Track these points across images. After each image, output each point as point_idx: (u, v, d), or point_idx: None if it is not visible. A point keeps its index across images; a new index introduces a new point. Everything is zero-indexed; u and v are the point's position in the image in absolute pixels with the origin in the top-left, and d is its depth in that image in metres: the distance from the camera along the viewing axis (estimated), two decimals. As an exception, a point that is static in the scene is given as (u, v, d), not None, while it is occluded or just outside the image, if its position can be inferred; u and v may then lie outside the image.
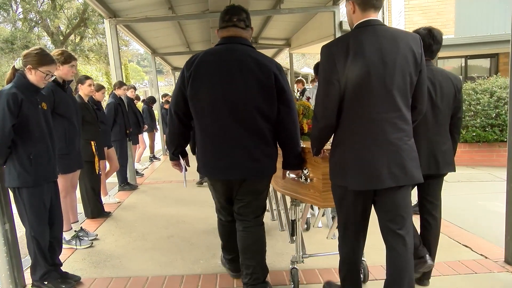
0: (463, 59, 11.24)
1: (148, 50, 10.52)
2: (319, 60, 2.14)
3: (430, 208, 2.70)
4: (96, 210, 4.73)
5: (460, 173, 6.79)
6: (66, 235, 3.78)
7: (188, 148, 2.75)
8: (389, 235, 2.10)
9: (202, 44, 11.03)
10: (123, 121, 6.21)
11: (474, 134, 7.33)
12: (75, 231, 3.91)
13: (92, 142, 4.49)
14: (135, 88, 7.82)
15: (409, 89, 2.01)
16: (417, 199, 2.77)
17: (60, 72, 3.56)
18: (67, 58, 3.55)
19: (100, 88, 5.39)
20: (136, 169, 7.74)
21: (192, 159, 2.68)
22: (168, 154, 2.84)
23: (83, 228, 4.07)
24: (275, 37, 11.01)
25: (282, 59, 18.93)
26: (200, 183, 6.25)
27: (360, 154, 2.00)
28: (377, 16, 2.02)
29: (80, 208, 4.75)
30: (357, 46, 1.93)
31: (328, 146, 2.23)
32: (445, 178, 2.77)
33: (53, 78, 2.91)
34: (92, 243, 3.89)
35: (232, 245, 2.77)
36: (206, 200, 5.27)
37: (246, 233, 2.61)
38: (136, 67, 52.30)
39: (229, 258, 2.96)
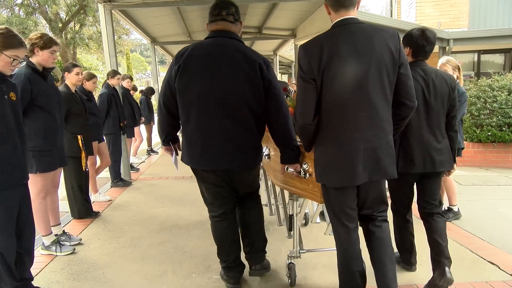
0: (475, 54, 10.76)
1: (147, 38, 10.10)
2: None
3: (430, 208, 2.71)
4: (83, 210, 4.35)
5: (474, 175, 6.39)
6: (45, 240, 3.40)
7: (179, 134, 2.73)
8: (368, 223, 2.28)
9: (204, 33, 10.48)
10: (116, 113, 5.81)
11: (489, 133, 6.90)
12: (56, 235, 3.53)
13: (79, 136, 4.09)
14: (131, 78, 7.40)
15: (388, 86, 2.04)
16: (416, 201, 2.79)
17: (39, 58, 3.17)
18: (47, 42, 3.15)
19: (91, 77, 4.99)
20: (131, 164, 7.36)
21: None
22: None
23: (65, 231, 3.69)
24: (280, 27, 10.55)
25: (286, 52, 18.46)
26: None
27: (337, 153, 2.07)
28: (353, 14, 2.05)
29: (66, 207, 4.40)
30: (331, 45, 1.97)
31: None
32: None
33: (22, 64, 2.50)
34: (75, 249, 3.50)
35: (227, 246, 2.73)
36: (203, 201, 4.91)
37: (244, 210, 2.77)
38: (139, 57, 51.82)
39: (225, 266, 2.77)
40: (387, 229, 2.31)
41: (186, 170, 2.60)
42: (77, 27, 17.11)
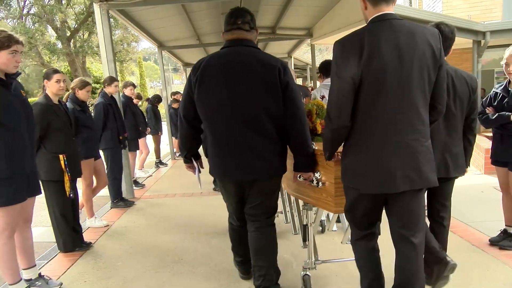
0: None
1: (154, 43, 9.48)
2: (330, 59, 2.10)
3: (440, 210, 2.68)
4: (69, 242, 3.67)
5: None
6: (13, 290, 2.73)
7: (201, 150, 2.73)
8: (401, 242, 2.05)
9: (214, 36, 9.93)
10: (115, 124, 5.14)
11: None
12: (30, 280, 2.86)
13: (61, 156, 3.42)
14: (134, 85, 6.77)
15: (428, 87, 1.93)
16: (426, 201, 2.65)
17: (-2, 61, 2.51)
18: (5, 41, 2.50)
19: (84, 85, 4.34)
20: (136, 179, 6.73)
21: (205, 161, 2.64)
22: (177, 158, 2.84)
23: (42, 274, 3.00)
24: (295, 27, 9.81)
25: (299, 55, 17.63)
26: (216, 190, 5.48)
27: (374, 156, 1.93)
28: (391, 9, 1.93)
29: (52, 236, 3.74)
30: (372, 41, 1.85)
31: (341, 148, 2.13)
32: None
33: None
34: (51, 298, 2.83)
35: (242, 249, 2.81)
36: (215, 225, 4.22)
37: (258, 234, 2.62)
38: (153, 65, 51.88)
39: (239, 261, 2.95)
40: (422, 257, 2.12)
41: (205, 186, 2.34)
42: (85, 36, 16.70)
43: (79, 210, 4.26)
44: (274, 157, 2.45)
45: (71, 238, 3.67)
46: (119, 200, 5.31)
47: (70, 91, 4.34)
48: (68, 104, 4.08)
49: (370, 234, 2.21)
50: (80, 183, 4.18)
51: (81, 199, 4.33)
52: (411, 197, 1.97)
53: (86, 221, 4.47)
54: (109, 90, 5.22)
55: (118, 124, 5.20)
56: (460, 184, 2.91)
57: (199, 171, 2.75)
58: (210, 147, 2.51)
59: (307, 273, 2.77)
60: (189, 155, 2.68)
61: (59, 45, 15.76)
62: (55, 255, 3.67)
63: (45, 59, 16.03)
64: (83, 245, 3.81)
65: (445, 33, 2.43)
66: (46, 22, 14.54)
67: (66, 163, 3.42)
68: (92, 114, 4.99)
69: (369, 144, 1.94)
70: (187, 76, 2.47)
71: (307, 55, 18.95)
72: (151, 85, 45.00)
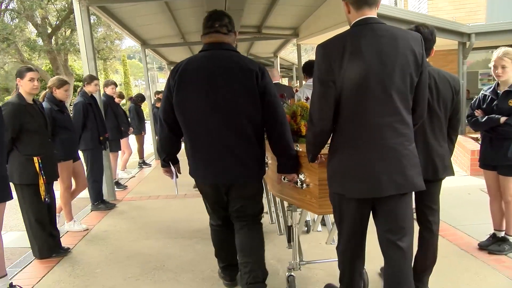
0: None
1: (137, 41, 9.26)
2: (313, 60, 2.07)
3: (428, 213, 2.58)
4: (45, 248, 3.50)
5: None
6: (-18, 302, 2.57)
7: (180, 154, 2.65)
8: (388, 247, 2.02)
9: (199, 35, 9.65)
10: (95, 125, 4.97)
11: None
12: (0, 291, 2.70)
13: (36, 159, 3.25)
14: (115, 84, 6.59)
15: (410, 91, 1.94)
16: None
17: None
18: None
19: (62, 83, 4.18)
20: (118, 180, 6.55)
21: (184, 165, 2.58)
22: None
23: (14, 284, 2.84)
24: (281, 26, 9.70)
25: (285, 55, 17.55)
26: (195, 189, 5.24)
27: (359, 161, 1.93)
28: (374, 13, 1.94)
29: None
30: (354, 45, 1.87)
31: (325, 150, 2.13)
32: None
33: None
34: (23, 310, 2.67)
35: (224, 253, 2.80)
36: (200, 229, 4.10)
37: (244, 230, 2.59)
38: (138, 63, 51.28)
39: (222, 266, 2.88)
40: (411, 263, 2.09)
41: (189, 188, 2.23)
42: (67, 33, 16.28)
43: (58, 214, 4.11)
44: (253, 162, 2.45)
45: (47, 244, 3.50)
46: (99, 202, 5.13)
47: (47, 90, 4.16)
48: (45, 104, 3.91)
49: (359, 250, 2.16)
50: (58, 186, 4.02)
51: (59, 202, 4.17)
52: (397, 201, 1.95)
53: (64, 225, 4.30)
54: (89, 89, 5.04)
55: (98, 124, 5.03)
56: (446, 186, 2.84)
57: (177, 177, 2.71)
58: (190, 150, 2.49)
59: (292, 273, 2.77)
60: (168, 159, 2.64)
61: (40, 42, 15.34)
62: (30, 262, 3.50)
63: (25, 56, 15.60)
64: (61, 251, 3.65)
65: (425, 34, 2.37)
66: (25, 18, 14.14)
67: (41, 165, 3.26)
68: (71, 114, 4.83)
69: (353, 148, 1.94)
70: (166, 82, 2.50)
71: (293, 54, 18.88)
72: (135, 83, 44.48)
